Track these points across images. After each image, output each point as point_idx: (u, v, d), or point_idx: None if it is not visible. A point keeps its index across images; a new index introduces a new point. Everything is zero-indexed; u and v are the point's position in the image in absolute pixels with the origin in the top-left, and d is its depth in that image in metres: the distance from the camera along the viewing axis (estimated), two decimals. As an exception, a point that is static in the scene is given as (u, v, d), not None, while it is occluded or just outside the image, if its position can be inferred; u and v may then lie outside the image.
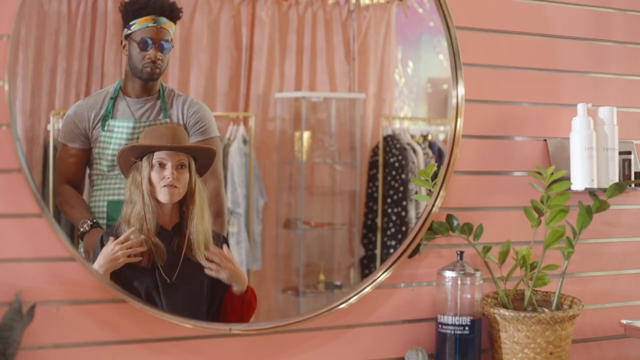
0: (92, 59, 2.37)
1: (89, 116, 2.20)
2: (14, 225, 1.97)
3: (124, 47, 2.22)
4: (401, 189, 2.83)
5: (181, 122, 2.25)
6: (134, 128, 2.20)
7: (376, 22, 2.86)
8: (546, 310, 2.33)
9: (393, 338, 2.37)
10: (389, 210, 2.82)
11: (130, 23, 2.20)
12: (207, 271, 2.15)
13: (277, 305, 2.74)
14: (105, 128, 2.19)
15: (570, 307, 2.36)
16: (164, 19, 2.21)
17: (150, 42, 2.20)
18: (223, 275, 2.15)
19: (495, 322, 2.29)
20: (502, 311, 2.26)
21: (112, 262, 2.06)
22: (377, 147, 2.86)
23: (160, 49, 2.20)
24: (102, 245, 2.09)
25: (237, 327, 2.17)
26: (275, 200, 2.76)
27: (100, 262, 2.06)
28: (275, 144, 2.77)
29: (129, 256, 2.08)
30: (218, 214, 2.30)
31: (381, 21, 2.87)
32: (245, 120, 2.70)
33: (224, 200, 2.37)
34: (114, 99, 2.21)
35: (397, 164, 2.83)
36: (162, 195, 2.11)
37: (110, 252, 2.06)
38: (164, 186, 2.10)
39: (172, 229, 2.14)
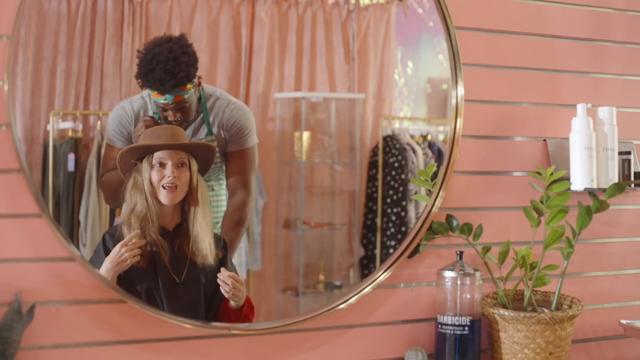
0: (91, 59, 2.37)
1: (131, 120, 2.20)
2: (14, 226, 1.97)
3: None
4: (401, 189, 2.83)
5: (222, 130, 2.25)
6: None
7: (376, 23, 2.86)
8: (546, 310, 2.33)
9: (393, 338, 2.37)
10: (389, 211, 2.82)
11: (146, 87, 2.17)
12: (221, 289, 2.13)
13: (276, 305, 2.74)
14: None
15: (569, 307, 2.36)
16: (177, 91, 2.17)
17: (167, 111, 2.18)
18: (233, 300, 2.14)
19: (495, 322, 2.29)
20: (502, 311, 2.26)
21: (119, 264, 2.05)
22: (376, 147, 2.85)
23: (179, 110, 2.18)
24: (104, 243, 2.09)
25: (236, 328, 2.17)
26: (275, 201, 2.76)
27: (107, 267, 2.05)
28: (274, 144, 2.76)
29: (134, 256, 2.07)
30: (238, 223, 2.30)
31: (381, 21, 2.86)
32: (245, 121, 2.70)
33: (248, 212, 2.35)
34: None
35: (396, 164, 2.83)
36: (163, 197, 2.10)
37: (117, 255, 2.05)
38: (164, 187, 2.10)
39: (174, 230, 2.14)
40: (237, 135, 2.27)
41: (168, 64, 2.15)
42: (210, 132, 2.23)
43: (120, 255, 2.05)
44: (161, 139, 2.12)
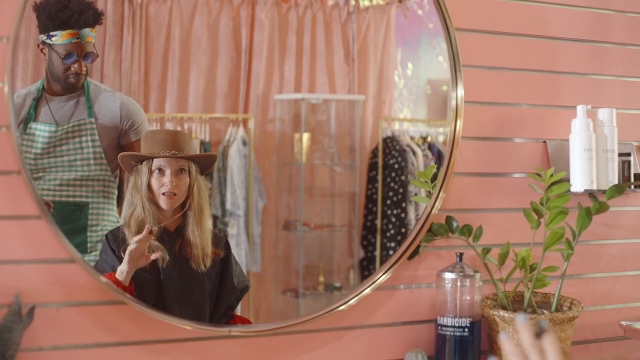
0: (91, 60, 2.37)
1: None
2: (14, 227, 1.96)
3: (41, 50, 2.17)
4: (401, 190, 2.83)
5: (108, 121, 2.20)
6: (55, 132, 2.15)
7: (376, 24, 2.86)
8: (546, 311, 2.33)
9: (392, 340, 2.37)
10: (389, 212, 2.82)
11: (51, 34, 2.15)
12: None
13: (276, 306, 2.74)
14: (27, 131, 2.15)
15: (569, 308, 2.36)
16: (87, 31, 2.16)
17: (75, 56, 2.15)
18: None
19: (495, 323, 2.29)
20: (502, 313, 2.26)
21: (135, 256, 2.04)
22: (376, 148, 2.86)
23: (86, 59, 2.16)
24: (108, 243, 2.09)
25: (236, 329, 2.17)
26: (275, 202, 2.76)
27: (125, 267, 2.03)
28: (274, 145, 2.77)
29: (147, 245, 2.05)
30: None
31: (380, 23, 2.87)
32: (245, 122, 2.70)
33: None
34: (37, 99, 2.17)
35: (396, 166, 2.83)
36: (162, 203, 2.11)
37: (133, 248, 2.03)
38: (163, 194, 2.10)
39: (175, 231, 2.14)
40: (129, 128, 2.24)
41: (79, 1, 2.16)
42: (90, 115, 2.18)
43: (135, 246, 2.03)
44: (162, 145, 2.11)
